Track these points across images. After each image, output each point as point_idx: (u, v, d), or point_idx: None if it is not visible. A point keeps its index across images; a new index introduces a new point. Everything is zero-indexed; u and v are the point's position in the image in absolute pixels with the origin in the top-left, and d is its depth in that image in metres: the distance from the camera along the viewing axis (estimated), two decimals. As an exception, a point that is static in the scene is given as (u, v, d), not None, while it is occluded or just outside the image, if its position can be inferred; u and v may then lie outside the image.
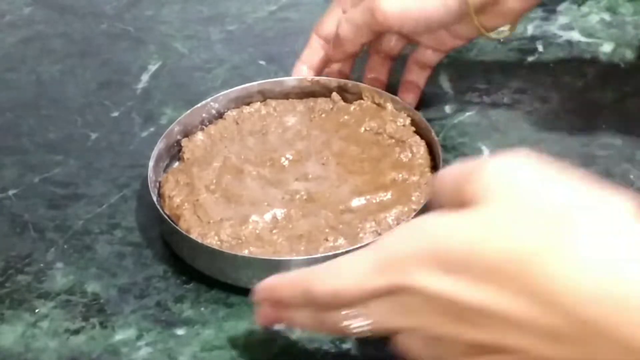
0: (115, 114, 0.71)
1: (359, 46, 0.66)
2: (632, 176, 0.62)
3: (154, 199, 0.59)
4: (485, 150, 0.64)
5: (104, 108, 0.72)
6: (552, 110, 0.66)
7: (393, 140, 0.62)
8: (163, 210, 0.59)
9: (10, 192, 0.65)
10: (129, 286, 0.58)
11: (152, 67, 0.76)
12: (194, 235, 0.57)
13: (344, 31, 0.65)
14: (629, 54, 0.69)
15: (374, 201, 0.58)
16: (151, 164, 0.61)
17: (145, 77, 0.75)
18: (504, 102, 0.67)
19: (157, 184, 0.61)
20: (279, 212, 0.58)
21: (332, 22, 0.66)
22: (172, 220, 0.58)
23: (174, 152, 0.64)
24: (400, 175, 0.60)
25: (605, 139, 0.64)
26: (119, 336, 0.55)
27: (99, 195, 0.64)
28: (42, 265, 0.60)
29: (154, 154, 0.62)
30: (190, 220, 0.58)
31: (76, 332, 0.56)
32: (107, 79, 0.75)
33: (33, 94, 0.72)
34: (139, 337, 0.55)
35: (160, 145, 0.62)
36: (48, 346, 0.55)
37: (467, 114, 0.66)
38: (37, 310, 0.57)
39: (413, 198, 0.58)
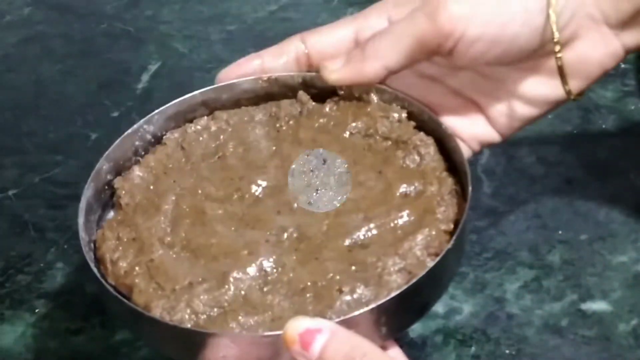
0: (115, 114, 0.71)
1: (383, 72, 0.48)
2: (632, 176, 0.62)
3: (93, 268, 0.44)
4: (486, 150, 0.64)
5: (104, 108, 0.72)
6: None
7: (390, 142, 0.49)
8: (107, 281, 0.44)
9: (10, 192, 0.65)
10: (129, 286, 0.58)
11: (152, 67, 0.76)
12: (157, 313, 0.42)
13: (380, 42, 0.47)
14: (629, 54, 0.69)
15: (389, 227, 0.45)
16: (81, 220, 0.46)
17: (145, 77, 0.75)
18: (504, 102, 0.67)
19: (92, 245, 0.46)
20: (267, 262, 0.44)
21: (337, 35, 0.50)
22: (123, 296, 0.43)
23: (106, 198, 0.49)
24: (413, 187, 0.46)
25: (605, 139, 0.64)
26: (119, 336, 0.55)
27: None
28: (42, 265, 0.60)
29: (82, 205, 0.46)
30: (148, 291, 0.43)
31: (76, 332, 0.56)
32: (107, 79, 0.75)
33: (33, 94, 0.71)
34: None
35: (88, 192, 0.47)
36: (48, 346, 0.55)
37: (467, 114, 0.66)
38: (37, 310, 0.57)
39: (438, 215, 0.45)
